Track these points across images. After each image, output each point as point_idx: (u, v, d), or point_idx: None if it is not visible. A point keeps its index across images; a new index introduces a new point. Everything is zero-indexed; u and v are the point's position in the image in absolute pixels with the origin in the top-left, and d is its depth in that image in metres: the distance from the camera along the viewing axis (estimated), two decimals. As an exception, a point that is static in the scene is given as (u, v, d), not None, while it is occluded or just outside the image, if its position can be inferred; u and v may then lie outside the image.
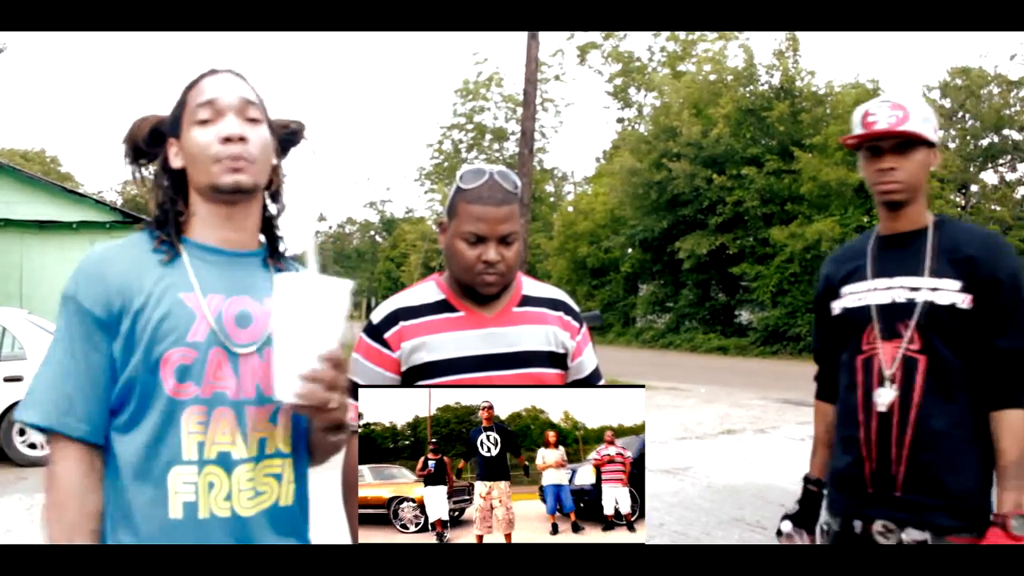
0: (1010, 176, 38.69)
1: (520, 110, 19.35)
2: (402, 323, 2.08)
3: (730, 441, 10.47)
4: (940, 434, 2.16)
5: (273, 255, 1.76)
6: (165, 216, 1.66)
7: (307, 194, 1.83)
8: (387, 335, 2.08)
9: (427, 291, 2.15)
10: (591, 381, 2.22)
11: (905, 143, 2.23)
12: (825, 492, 2.45)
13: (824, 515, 2.42)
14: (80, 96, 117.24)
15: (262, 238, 1.77)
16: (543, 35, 19.01)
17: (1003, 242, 2.28)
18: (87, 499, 1.53)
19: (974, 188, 38.77)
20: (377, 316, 2.13)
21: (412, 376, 2.06)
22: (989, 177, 39.13)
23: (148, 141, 1.71)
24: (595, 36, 42.56)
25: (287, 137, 1.80)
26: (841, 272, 2.42)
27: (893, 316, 2.24)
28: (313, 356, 1.49)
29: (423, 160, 61.69)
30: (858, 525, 2.26)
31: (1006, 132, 37.57)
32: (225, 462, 1.56)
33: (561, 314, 2.17)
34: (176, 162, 1.67)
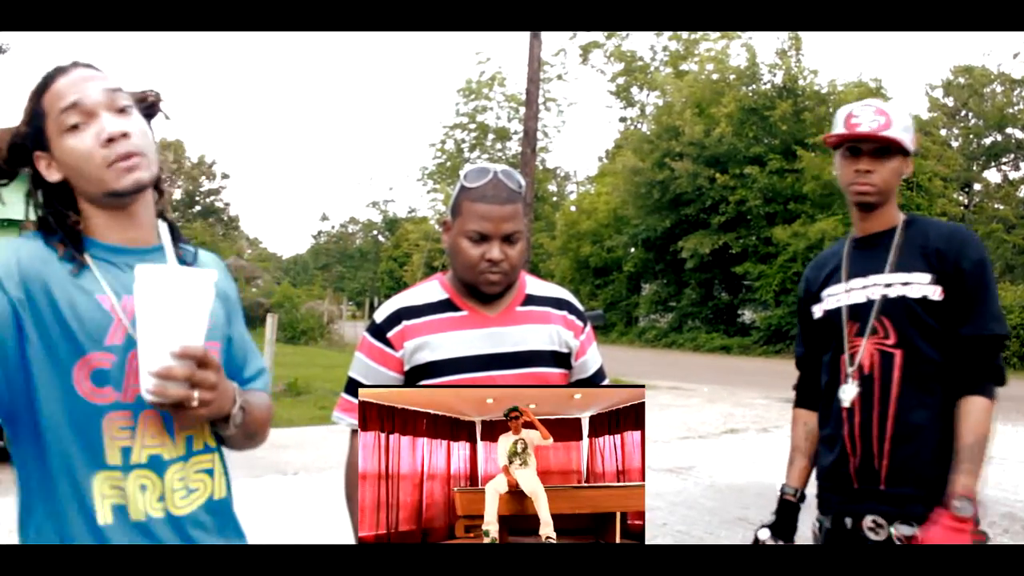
0: (1013, 175, 38.64)
1: (523, 109, 19.36)
2: (405, 322, 2.08)
3: (733, 440, 10.46)
4: (920, 427, 2.21)
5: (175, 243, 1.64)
6: (57, 230, 1.55)
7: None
8: (390, 334, 2.08)
9: (430, 290, 2.14)
10: (595, 380, 2.21)
11: (884, 148, 2.29)
12: (802, 500, 2.48)
13: (817, 513, 2.44)
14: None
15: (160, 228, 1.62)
16: (545, 34, 19.02)
17: (968, 233, 2.33)
18: None
19: (977, 187, 38.73)
20: (380, 315, 2.13)
21: (415, 375, 2.06)
22: (992, 176, 39.09)
23: (9, 160, 1.58)
24: (598, 35, 42.63)
25: (146, 111, 1.65)
26: (820, 276, 2.50)
27: (867, 313, 2.30)
28: (166, 352, 1.43)
29: (426, 160, 61.86)
30: (848, 522, 2.28)
31: (1009, 131, 37.52)
32: (156, 464, 1.53)
33: (565, 313, 2.17)
34: (52, 176, 1.56)
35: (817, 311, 2.46)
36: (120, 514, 1.49)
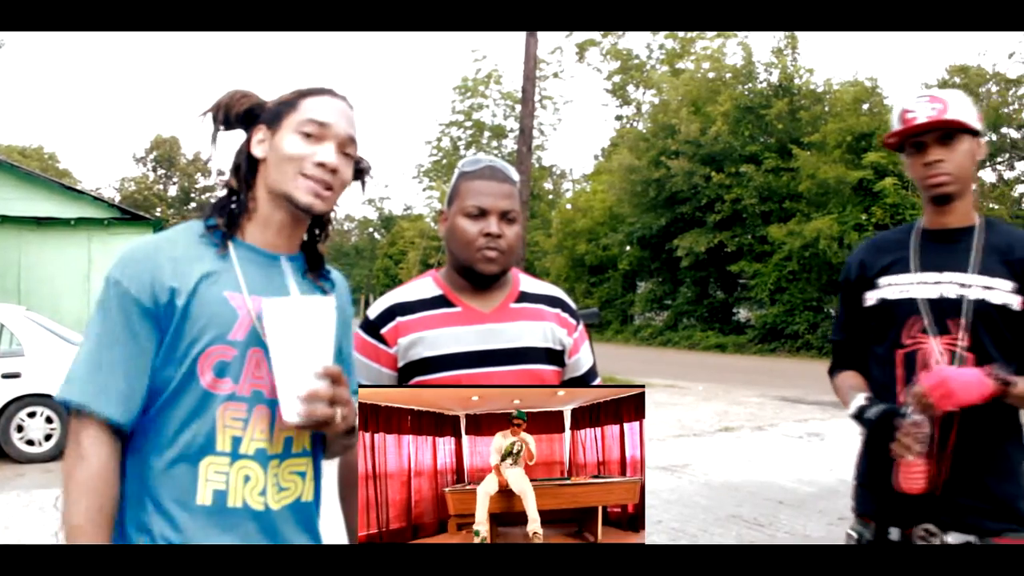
0: (1008, 174, 38.69)
1: (519, 107, 19.33)
2: (399, 318, 2.09)
3: (728, 438, 10.47)
4: (985, 436, 2.10)
5: (312, 270, 1.80)
6: (227, 205, 1.70)
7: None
8: (384, 331, 2.09)
9: (424, 286, 2.15)
10: (588, 378, 2.22)
11: (948, 133, 2.16)
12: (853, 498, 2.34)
13: (852, 523, 2.33)
14: (78, 93, 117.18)
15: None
16: (542, 33, 19.01)
17: None
18: (112, 480, 1.54)
19: (972, 186, 38.71)
20: (374, 312, 2.14)
21: (409, 372, 2.06)
22: (987, 175, 39.12)
23: (240, 117, 1.72)
24: (594, 33, 42.58)
25: (355, 171, 1.81)
26: (880, 262, 2.32)
27: (942, 311, 2.16)
28: (310, 375, 1.55)
29: (422, 157, 61.61)
30: (895, 532, 2.18)
31: (1004, 130, 37.56)
32: (262, 458, 1.62)
33: (558, 311, 2.18)
34: (258, 151, 1.70)
35: (871, 298, 2.30)
36: (219, 498, 1.58)
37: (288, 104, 1.69)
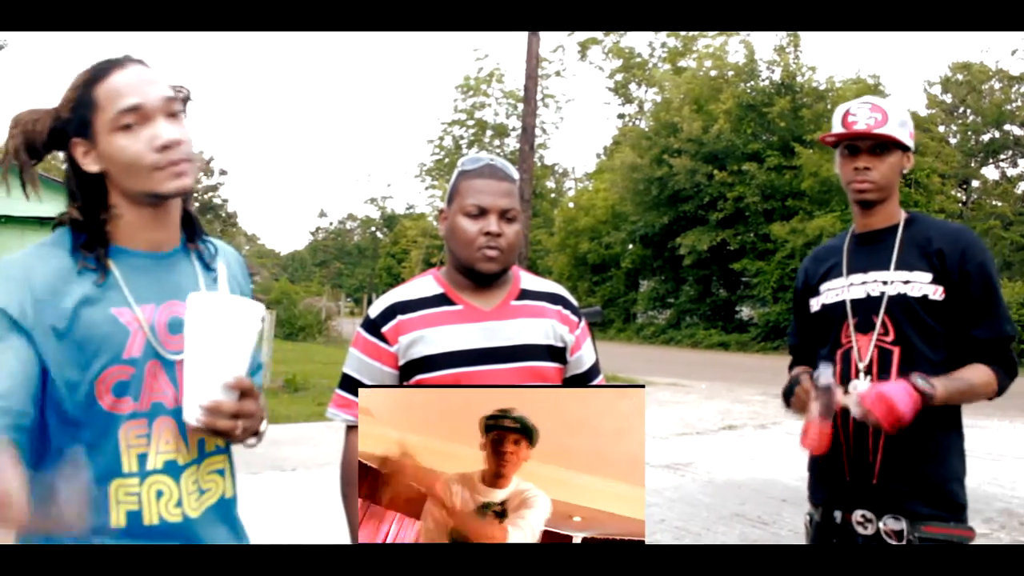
0: (1011, 171, 38.69)
1: (521, 106, 19.34)
2: (400, 317, 2.09)
3: (731, 437, 10.47)
4: (915, 423, 2.17)
5: (191, 239, 1.70)
6: (87, 226, 1.56)
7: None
8: (385, 329, 2.09)
9: (425, 285, 2.15)
10: (590, 376, 2.23)
11: (881, 145, 2.31)
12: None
13: (807, 506, 2.49)
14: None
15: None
16: (544, 32, 19.00)
17: (971, 235, 2.35)
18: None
19: (975, 183, 38.76)
20: (375, 310, 2.14)
21: (410, 370, 2.06)
22: (990, 172, 39.14)
23: (48, 143, 1.57)
24: (596, 32, 42.56)
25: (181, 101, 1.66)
26: (819, 270, 2.50)
27: (867, 309, 2.31)
28: (218, 384, 1.50)
29: (424, 156, 61.83)
30: (838, 515, 2.32)
31: (1007, 127, 37.55)
32: (172, 469, 1.56)
33: (560, 308, 2.18)
34: (90, 166, 1.55)
35: (815, 304, 2.47)
36: (134, 519, 1.52)
37: (85, 104, 1.54)
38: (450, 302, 2.10)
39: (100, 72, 1.54)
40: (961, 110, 38.73)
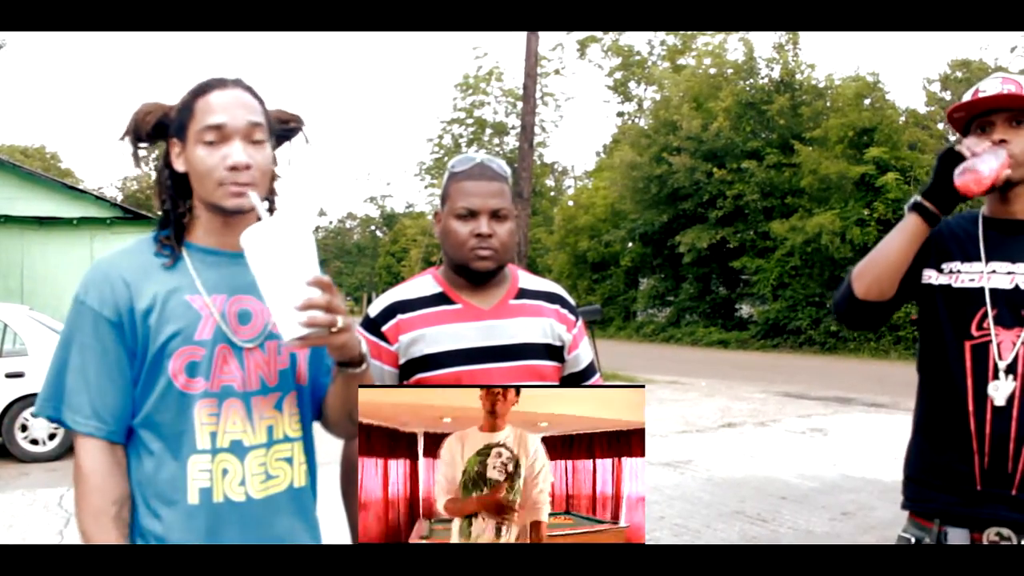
0: (1010, 168, 38.57)
1: (520, 104, 19.33)
2: (399, 316, 2.10)
3: (731, 434, 10.49)
4: None
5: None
6: (168, 219, 1.74)
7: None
8: (384, 328, 2.11)
9: (424, 284, 2.17)
10: (587, 374, 2.24)
11: (1020, 115, 2.03)
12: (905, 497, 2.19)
13: (905, 525, 2.18)
14: (80, 92, 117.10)
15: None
16: (543, 31, 18.98)
17: None
18: (107, 490, 1.60)
19: None
20: (374, 310, 2.15)
21: (410, 369, 2.08)
22: (989, 169, 39.01)
23: (151, 134, 1.75)
24: (595, 31, 42.51)
25: (284, 132, 1.85)
26: (944, 247, 2.16)
27: (1015, 302, 2.03)
28: (301, 287, 1.54)
29: (423, 155, 61.88)
30: (960, 535, 2.02)
31: (1006, 124, 37.45)
32: (237, 449, 1.66)
33: (557, 307, 2.19)
34: (179, 165, 1.72)
35: (932, 277, 2.15)
36: (205, 495, 1.63)
37: (186, 110, 1.70)
38: (449, 301, 2.12)
39: (207, 86, 1.70)
40: (960, 107, 38.71)
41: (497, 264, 2.08)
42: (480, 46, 54.94)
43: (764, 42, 31.59)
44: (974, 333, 2.05)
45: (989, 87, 2.05)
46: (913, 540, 2.12)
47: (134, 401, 1.65)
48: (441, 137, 45.94)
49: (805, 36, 29.55)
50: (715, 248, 29.37)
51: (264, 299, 1.59)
